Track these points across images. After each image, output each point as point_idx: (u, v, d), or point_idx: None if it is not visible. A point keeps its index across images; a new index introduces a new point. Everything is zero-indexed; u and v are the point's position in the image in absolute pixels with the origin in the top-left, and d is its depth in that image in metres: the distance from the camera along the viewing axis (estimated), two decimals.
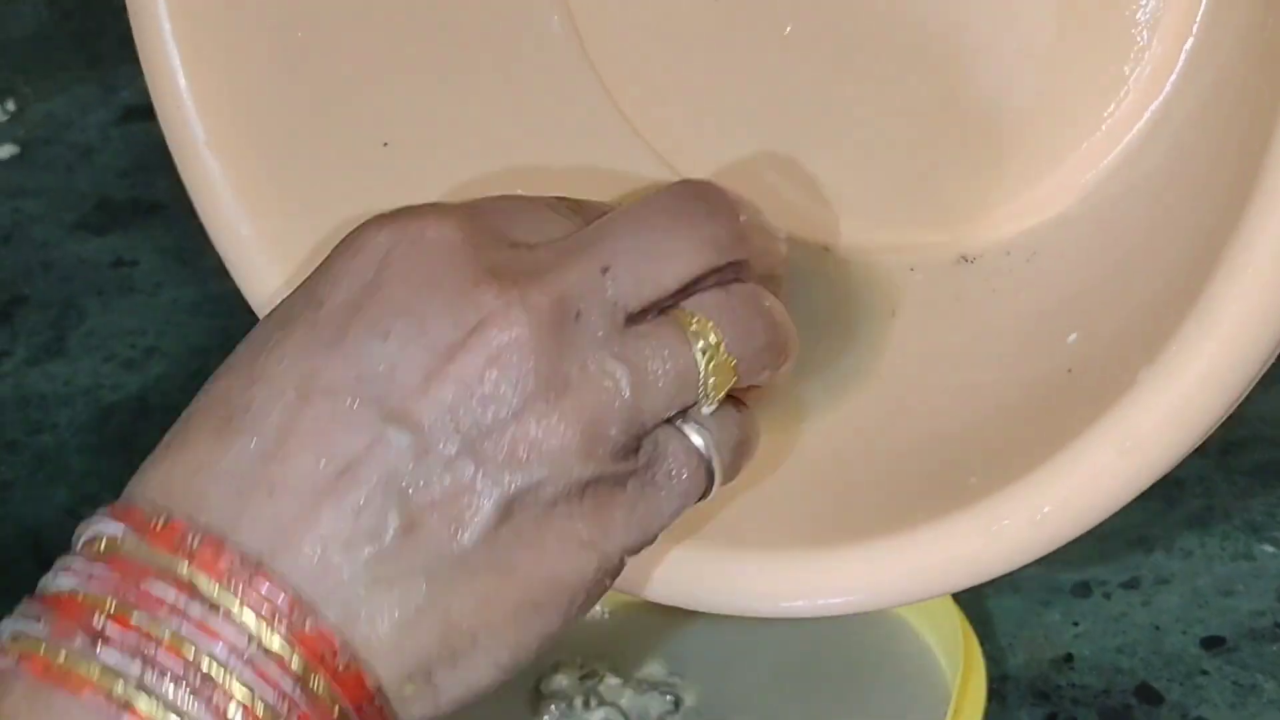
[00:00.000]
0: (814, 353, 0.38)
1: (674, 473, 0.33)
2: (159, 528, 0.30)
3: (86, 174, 0.73)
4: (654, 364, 0.32)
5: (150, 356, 0.62)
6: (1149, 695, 0.46)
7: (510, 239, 0.32)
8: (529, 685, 0.44)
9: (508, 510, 0.30)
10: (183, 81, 0.40)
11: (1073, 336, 0.36)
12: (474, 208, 0.33)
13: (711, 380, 0.32)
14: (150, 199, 0.70)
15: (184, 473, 0.31)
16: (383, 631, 0.30)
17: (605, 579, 0.32)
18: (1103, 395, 0.32)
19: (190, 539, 0.29)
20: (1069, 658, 0.47)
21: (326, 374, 0.31)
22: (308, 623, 0.29)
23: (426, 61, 0.42)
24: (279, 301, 0.33)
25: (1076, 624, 0.48)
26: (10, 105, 0.78)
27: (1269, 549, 0.49)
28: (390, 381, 0.30)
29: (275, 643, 0.29)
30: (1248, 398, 0.52)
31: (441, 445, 0.30)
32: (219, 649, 0.29)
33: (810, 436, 0.38)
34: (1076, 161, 0.38)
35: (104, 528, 0.30)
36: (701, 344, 0.32)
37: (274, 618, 0.29)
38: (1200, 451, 0.52)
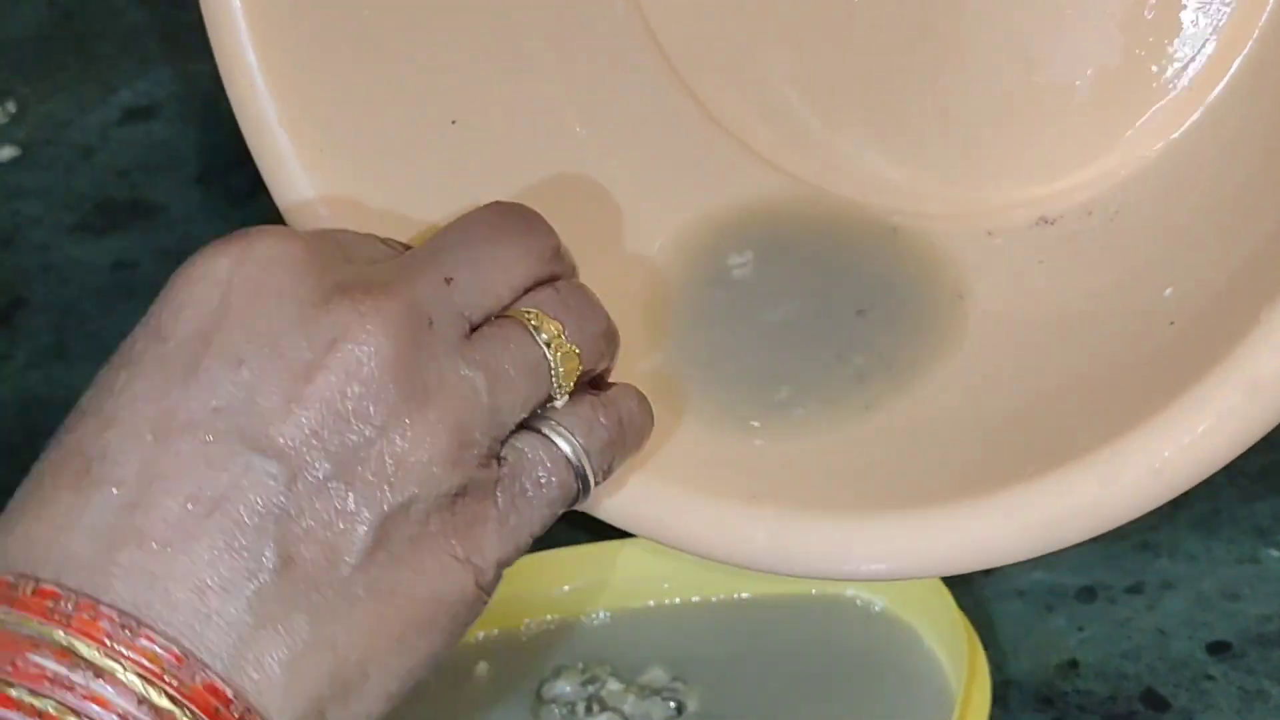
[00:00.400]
0: (896, 329, 0.38)
1: (542, 480, 0.33)
2: (28, 595, 0.28)
3: (86, 175, 0.72)
4: (505, 362, 0.32)
5: None
6: (1154, 701, 0.46)
7: (350, 258, 0.33)
8: (531, 690, 0.44)
9: (383, 532, 0.30)
10: (253, 58, 0.40)
11: (1169, 290, 0.35)
12: (310, 232, 0.34)
13: (561, 370, 0.33)
14: (150, 200, 0.70)
15: (45, 532, 0.30)
16: (273, 675, 0.29)
17: (484, 594, 0.32)
18: (1218, 340, 0.31)
19: (63, 603, 0.28)
20: (1074, 663, 0.47)
21: (182, 411, 0.30)
22: (196, 676, 0.28)
23: (492, 42, 0.42)
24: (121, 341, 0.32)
25: (1081, 629, 0.48)
26: (10, 106, 0.78)
27: (1275, 553, 0.49)
28: (250, 410, 0.30)
29: (164, 701, 0.28)
30: None
31: (310, 470, 0.29)
32: (107, 717, 0.28)
33: (903, 409, 0.38)
34: (1158, 120, 0.38)
35: None
36: (544, 336, 0.33)
37: (161, 675, 0.28)
38: None
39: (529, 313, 0.33)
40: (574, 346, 0.33)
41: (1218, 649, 0.47)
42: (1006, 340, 0.38)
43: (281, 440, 0.30)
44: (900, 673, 0.44)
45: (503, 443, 0.32)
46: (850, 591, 0.46)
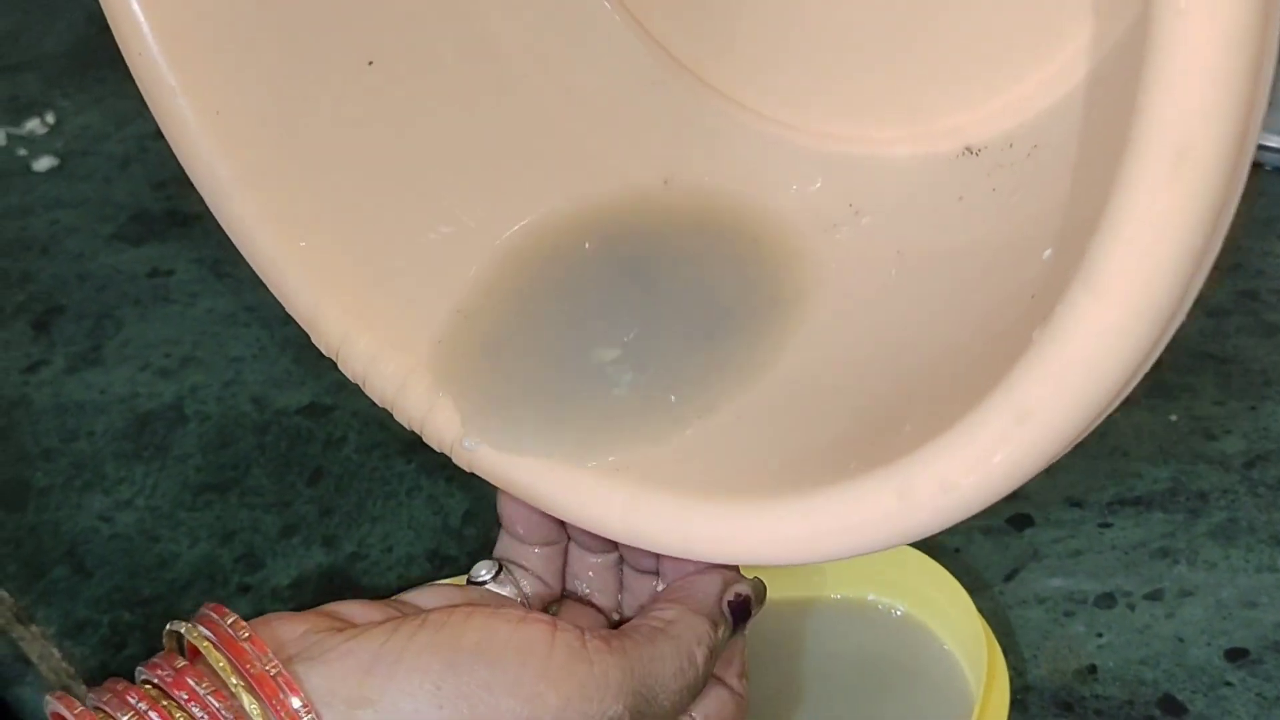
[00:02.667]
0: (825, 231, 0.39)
1: None
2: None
3: (123, 186, 0.73)
4: None
5: (185, 366, 0.63)
6: (1172, 707, 0.46)
7: None
8: None
9: None
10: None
11: (1048, 252, 0.35)
12: None
13: None
14: (186, 210, 0.71)
15: None
16: None
17: None
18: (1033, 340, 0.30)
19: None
20: (1092, 669, 0.47)
21: None
22: None
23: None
24: None
25: (1100, 635, 0.48)
26: (49, 118, 0.79)
27: None
28: None
29: None
30: (1270, 413, 0.52)
31: None
32: None
33: (758, 385, 0.39)
34: (1084, 42, 0.37)
35: None
36: None
37: None
38: (1224, 464, 0.53)
39: None
40: None
41: (1236, 656, 0.47)
42: (907, 288, 0.38)
43: None
44: (920, 677, 0.44)
45: None
46: (871, 596, 0.46)
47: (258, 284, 0.69)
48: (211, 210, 0.42)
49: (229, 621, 0.34)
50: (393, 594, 0.46)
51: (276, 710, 0.32)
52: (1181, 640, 0.47)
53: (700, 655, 0.37)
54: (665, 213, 0.43)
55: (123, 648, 0.52)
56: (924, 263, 0.40)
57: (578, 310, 0.41)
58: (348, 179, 0.42)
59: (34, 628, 0.53)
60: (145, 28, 0.40)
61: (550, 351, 0.40)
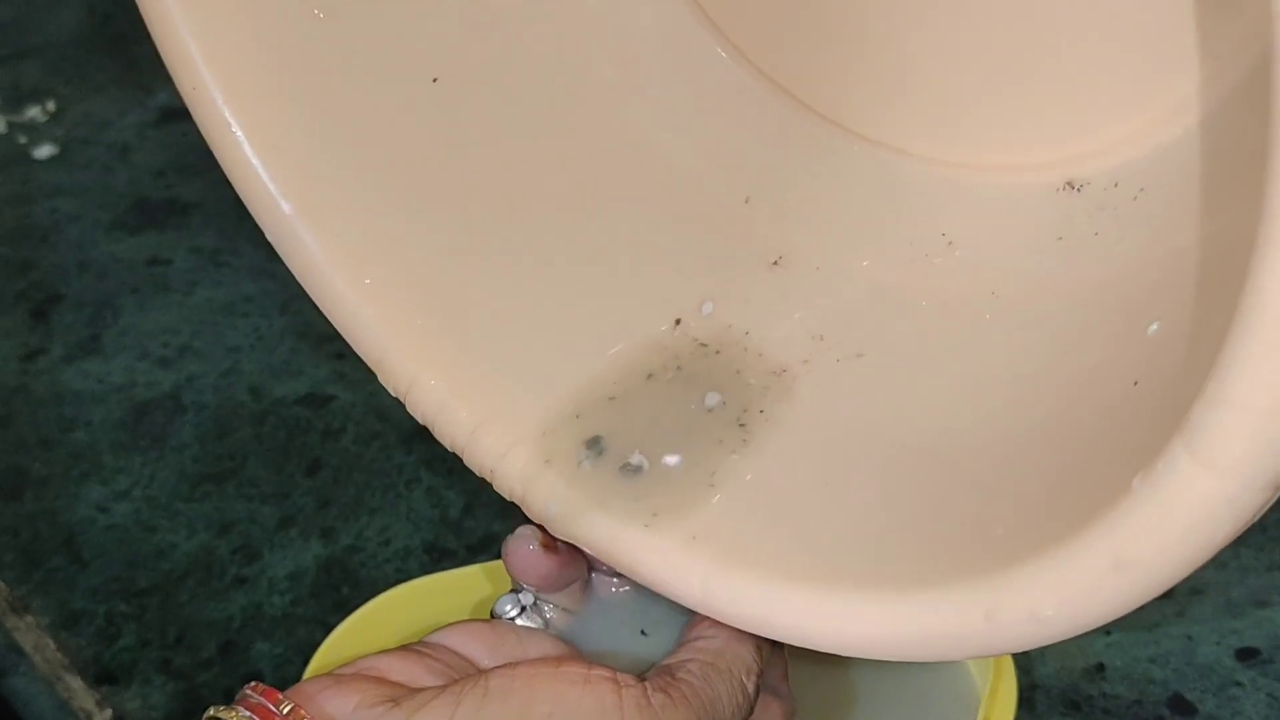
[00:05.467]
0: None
1: None
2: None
3: (123, 174, 0.73)
4: None
5: (184, 355, 0.62)
6: (1182, 706, 0.45)
7: None
8: None
9: None
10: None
11: (1154, 326, 0.34)
12: None
13: None
14: (185, 199, 0.71)
15: None
16: None
17: None
18: (1140, 450, 0.29)
19: None
20: (1100, 667, 0.46)
21: None
22: None
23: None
24: None
25: (1108, 633, 0.47)
26: (50, 106, 0.79)
27: None
28: None
29: None
30: None
31: None
32: None
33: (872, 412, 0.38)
34: (1197, 84, 0.36)
35: None
36: None
37: None
38: None
39: None
40: None
41: (1246, 655, 0.46)
42: (1005, 358, 0.37)
43: None
44: (926, 674, 0.44)
45: None
46: None
47: (256, 274, 0.69)
48: (275, 247, 0.40)
49: (279, 706, 0.32)
50: (390, 586, 0.46)
51: None
52: (1191, 639, 0.47)
53: (751, 683, 0.36)
54: (744, 239, 0.42)
55: (118, 638, 0.51)
56: (1020, 308, 0.38)
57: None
58: (414, 214, 0.41)
59: (29, 618, 0.53)
60: (198, 58, 0.38)
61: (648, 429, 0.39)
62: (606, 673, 0.35)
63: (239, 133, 0.39)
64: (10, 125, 0.78)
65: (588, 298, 0.41)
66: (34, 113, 0.79)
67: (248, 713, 0.32)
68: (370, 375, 0.62)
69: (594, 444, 0.38)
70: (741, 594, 0.35)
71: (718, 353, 0.40)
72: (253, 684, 0.33)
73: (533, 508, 0.38)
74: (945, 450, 0.36)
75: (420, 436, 0.57)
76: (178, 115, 0.74)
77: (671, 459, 0.37)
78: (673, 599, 0.36)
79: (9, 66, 0.83)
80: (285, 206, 0.39)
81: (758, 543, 0.35)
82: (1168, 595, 0.48)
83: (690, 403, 0.39)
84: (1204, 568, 0.50)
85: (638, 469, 0.37)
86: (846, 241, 0.42)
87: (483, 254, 0.41)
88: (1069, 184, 0.39)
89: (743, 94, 0.44)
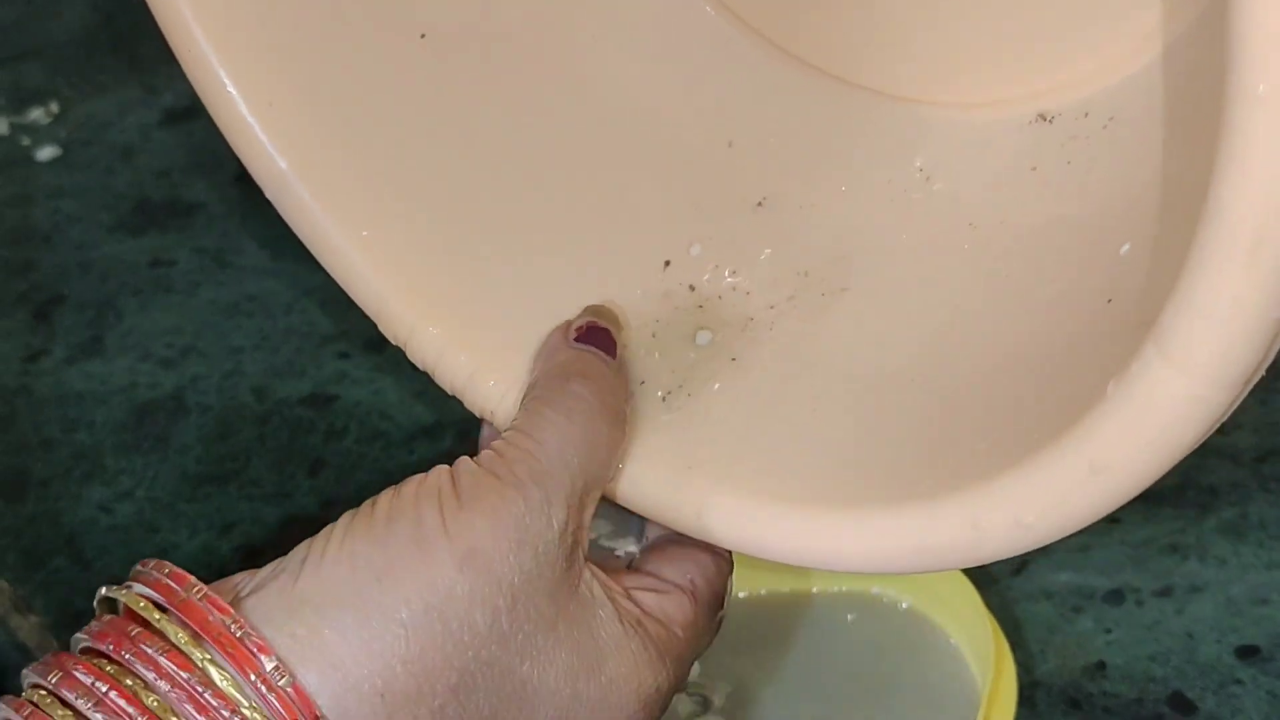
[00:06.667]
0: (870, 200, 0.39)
1: None
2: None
3: (126, 175, 0.73)
4: None
5: (186, 356, 0.62)
6: (1182, 704, 0.45)
7: None
8: None
9: None
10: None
11: (1125, 247, 0.35)
12: None
13: None
14: (188, 200, 0.71)
15: None
16: None
17: None
18: (1114, 362, 0.30)
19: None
20: (1101, 665, 0.47)
21: None
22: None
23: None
24: None
25: (1109, 631, 0.47)
26: (53, 107, 0.79)
27: None
28: None
29: None
30: None
31: None
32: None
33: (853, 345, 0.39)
34: (1162, 13, 0.37)
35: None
36: None
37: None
38: (1235, 460, 0.52)
39: None
40: None
41: (1246, 653, 0.46)
42: (979, 281, 0.38)
43: None
44: (926, 671, 0.44)
45: None
46: (876, 589, 0.46)
47: (260, 274, 0.69)
48: (273, 202, 0.41)
49: (189, 590, 0.32)
50: None
51: (246, 674, 0.30)
52: (1191, 637, 0.47)
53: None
54: (728, 183, 0.43)
55: None
56: (997, 239, 0.39)
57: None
58: (408, 167, 0.42)
59: (32, 617, 0.53)
60: (190, 20, 0.39)
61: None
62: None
63: (233, 91, 0.40)
64: (13, 127, 0.78)
65: (579, 243, 0.43)
66: (37, 114, 0.79)
67: (150, 591, 0.32)
68: (373, 375, 0.62)
69: None
70: (737, 518, 0.36)
71: (706, 292, 0.41)
72: (153, 561, 0.33)
73: None
74: (928, 375, 0.38)
75: (423, 437, 0.58)
76: (181, 116, 0.75)
77: (664, 393, 0.38)
78: (668, 525, 0.37)
79: (11, 68, 0.83)
80: (281, 163, 0.40)
81: (751, 469, 0.37)
82: (1167, 594, 0.48)
83: (681, 340, 0.40)
84: (1204, 566, 0.50)
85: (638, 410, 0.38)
86: (828, 182, 0.43)
87: (475, 204, 0.42)
88: (1040, 116, 0.40)
89: (722, 42, 0.45)
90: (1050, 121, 0.39)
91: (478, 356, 0.40)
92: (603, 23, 0.44)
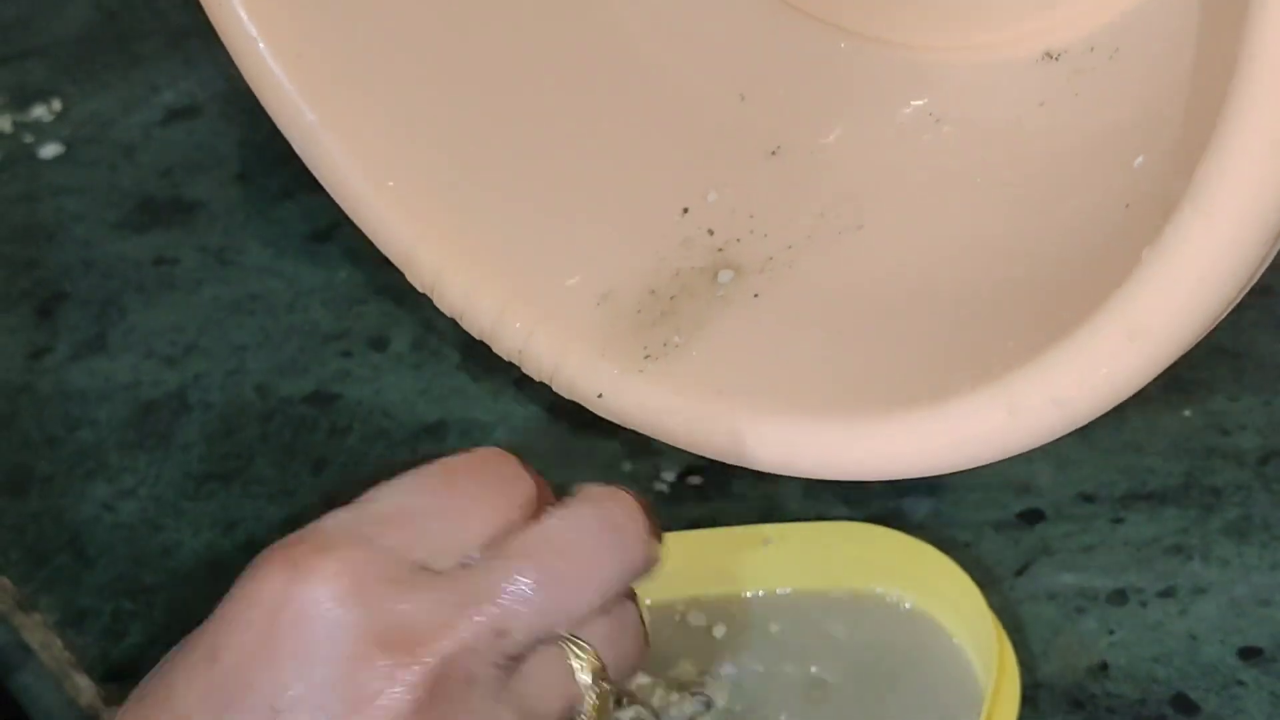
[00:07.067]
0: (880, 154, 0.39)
1: None
2: None
3: (129, 173, 0.73)
4: (541, 704, 0.32)
5: (190, 354, 0.62)
6: (1185, 705, 0.45)
7: (412, 560, 0.32)
8: None
9: None
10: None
11: (1139, 160, 0.35)
12: (376, 524, 0.33)
13: (593, 704, 0.33)
14: (192, 198, 0.71)
15: None
16: None
17: None
18: (1133, 256, 0.31)
19: None
20: (1104, 666, 0.47)
21: None
22: None
23: None
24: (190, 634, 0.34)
25: (1112, 632, 0.47)
26: (56, 104, 0.79)
27: None
28: None
29: None
30: None
31: None
32: None
33: (868, 265, 0.39)
34: None
35: None
36: (588, 678, 0.33)
37: None
38: (1238, 460, 0.52)
39: (579, 650, 0.33)
40: (612, 684, 0.34)
41: (1249, 654, 0.46)
42: (994, 203, 0.39)
43: None
44: (929, 672, 0.44)
45: None
46: (879, 589, 0.46)
47: (263, 272, 0.69)
48: (300, 154, 0.43)
49: None
50: None
51: None
52: (1194, 638, 0.47)
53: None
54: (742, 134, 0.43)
55: (124, 636, 0.51)
56: (1011, 171, 0.40)
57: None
58: (433, 118, 0.43)
59: (35, 615, 0.53)
60: None
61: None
62: None
63: (262, 45, 0.41)
64: (16, 125, 0.78)
65: (599, 191, 0.44)
66: (40, 112, 0.79)
67: None
68: (376, 373, 0.62)
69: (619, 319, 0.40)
70: (770, 436, 0.36)
71: (725, 235, 0.42)
72: None
73: (564, 382, 0.40)
74: (953, 292, 0.38)
75: (425, 435, 0.58)
76: (184, 114, 0.75)
77: (693, 333, 0.39)
78: (699, 452, 0.37)
79: (14, 66, 0.83)
80: (309, 115, 0.42)
81: (783, 390, 0.38)
82: (1170, 594, 0.48)
83: (704, 280, 0.41)
84: (1207, 567, 0.50)
85: (665, 344, 0.39)
86: (839, 129, 0.45)
87: (498, 155, 0.44)
88: (1047, 54, 0.41)
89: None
90: (1057, 59, 0.40)
91: (503, 300, 0.41)
92: None
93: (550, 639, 0.33)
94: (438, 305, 0.42)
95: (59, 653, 0.51)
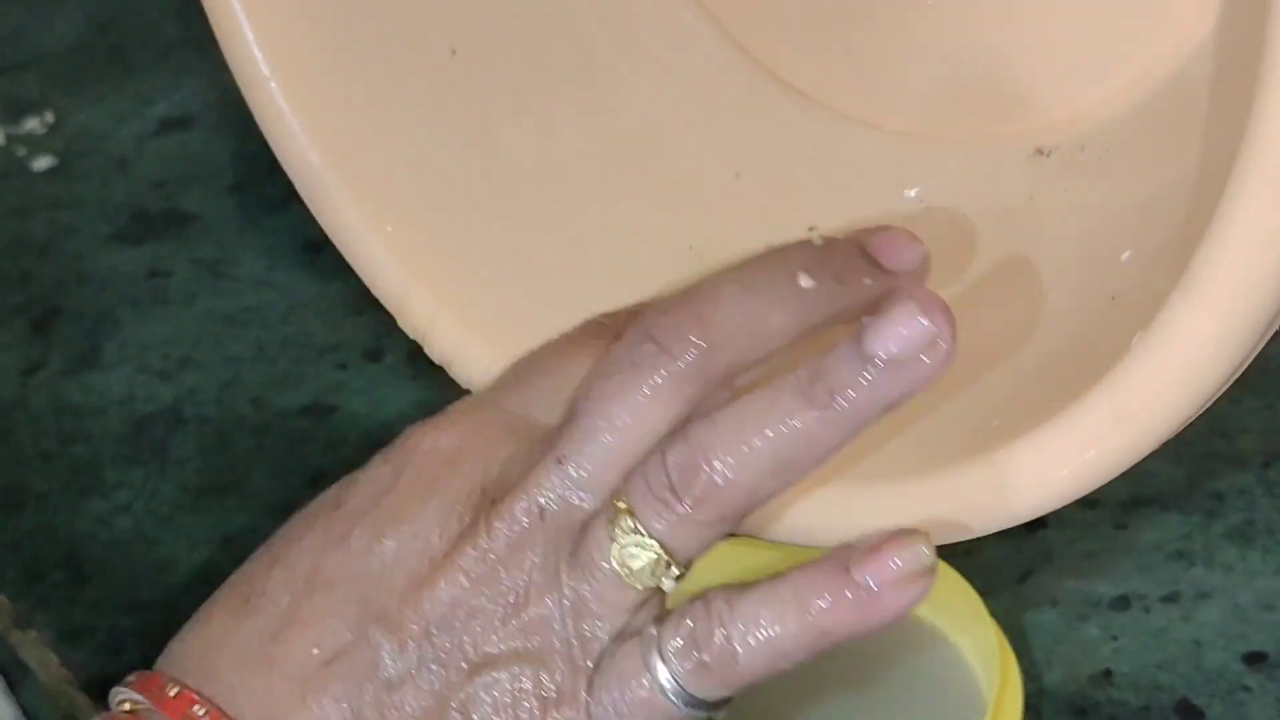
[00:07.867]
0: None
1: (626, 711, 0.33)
2: (171, 696, 0.34)
3: (122, 186, 0.73)
4: (594, 596, 0.33)
5: (184, 367, 0.62)
6: (1189, 712, 0.45)
7: (527, 420, 0.35)
8: None
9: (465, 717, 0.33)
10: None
11: (1126, 254, 0.36)
12: (501, 389, 0.36)
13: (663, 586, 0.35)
14: (185, 210, 0.71)
15: (201, 646, 0.36)
16: None
17: None
18: (1121, 346, 0.31)
19: (196, 709, 0.33)
20: (1107, 673, 0.46)
21: (329, 568, 0.34)
22: None
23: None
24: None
25: (1115, 639, 0.47)
26: (48, 117, 0.79)
27: None
28: (380, 584, 0.33)
29: None
30: None
31: (415, 651, 0.33)
32: None
33: None
34: (1161, 46, 0.38)
35: (129, 694, 0.35)
36: (640, 562, 0.34)
37: None
38: (1241, 465, 0.52)
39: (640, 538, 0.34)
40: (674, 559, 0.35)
41: (1254, 660, 0.46)
42: (984, 298, 0.39)
43: (399, 618, 0.33)
44: (931, 679, 0.44)
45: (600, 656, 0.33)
46: None
47: (257, 285, 0.69)
48: (302, 194, 0.44)
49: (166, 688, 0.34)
50: None
51: None
52: (1198, 644, 0.47)
53: None
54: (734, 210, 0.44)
55: (121, 652, 0.51)
56: (996, 256, 0.40)
57: None
58: (434, 167, 0.44)
59: (32, 632, 0.53)
60: (239, 11, 0.41)
61: None
62: None
63: (274, 85, 0.42)
64: (8, 137, 0.78)
65: (590, 246, 0.45)
66: (32, 124, 0.79)
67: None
68: (371, 385, 0.62)
69: None
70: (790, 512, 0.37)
71: None
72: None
73: None
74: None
75: None
76: (176, 126, 0.74)
77: None
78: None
79: (6, 78, 0.82)
80: (314, 157, 0.42)
81: None
82: (1173, 600, 0.48)
83: None
84: (1210, 572, 0.50)
85: None
86: (830, 210, 0.45)
87: (494, 207, 0.46)
88: (1038, 151, 0.41)
89: (732, 75, 0.49)
90: (1048, 155, 0.41)
91: (493, 351, 0.42)
92: (622, 49, 0.47)
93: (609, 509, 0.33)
94: (428, 353, 0.43)
95: (56, 670, 0.51)
